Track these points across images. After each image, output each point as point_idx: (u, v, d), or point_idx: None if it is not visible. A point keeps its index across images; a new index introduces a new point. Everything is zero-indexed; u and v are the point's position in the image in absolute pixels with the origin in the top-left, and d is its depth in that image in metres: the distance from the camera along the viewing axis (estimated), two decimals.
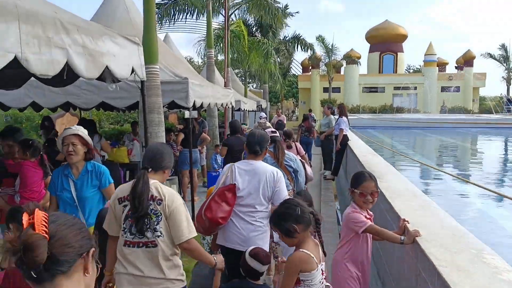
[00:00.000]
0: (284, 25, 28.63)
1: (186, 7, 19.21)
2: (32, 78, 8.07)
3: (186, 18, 20.07)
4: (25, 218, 1.22)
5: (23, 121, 16.09)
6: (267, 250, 3.59)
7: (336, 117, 11.97)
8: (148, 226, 2.73)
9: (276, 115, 20.78)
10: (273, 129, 6.86)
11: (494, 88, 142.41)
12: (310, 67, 45.93)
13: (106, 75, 5.24)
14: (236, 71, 36.69)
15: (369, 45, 49.26)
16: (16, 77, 5.07)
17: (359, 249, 3.36)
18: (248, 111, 23.21)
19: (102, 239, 2.88)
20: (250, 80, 45.56)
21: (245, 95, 24.63)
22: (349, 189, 3.46)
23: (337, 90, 43.58)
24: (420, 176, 13.42)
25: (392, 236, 3.19)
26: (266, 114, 30.54)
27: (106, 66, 4.10)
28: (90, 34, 3.89)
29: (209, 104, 9.19)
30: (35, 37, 3.16)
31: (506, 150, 23.01)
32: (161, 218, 2.73)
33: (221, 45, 20.97)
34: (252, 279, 3.14)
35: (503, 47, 46.20)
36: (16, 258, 1.18)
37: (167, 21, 20.11)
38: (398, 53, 47.96)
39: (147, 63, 6.71)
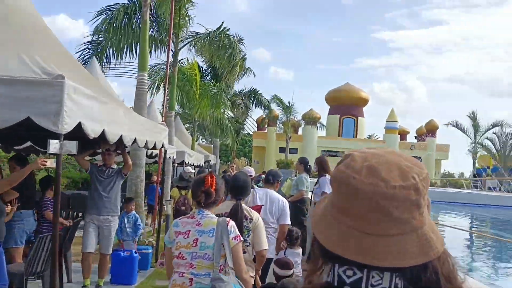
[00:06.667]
0: (242, 73, 24.94)
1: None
2: None
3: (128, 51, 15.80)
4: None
5: None
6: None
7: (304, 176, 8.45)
8: None
9: (230, 172, 17.20)
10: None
11: (458, 161, 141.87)
12: (266, 125, 43.15)
13: None
14: (187, 126, 33.33)
15: (328, 107, 47.39)
16: None
17: None
18: (194, 166, 19.63)
19: None
20: (199, 135, 42.09)
21: (192, 148, 21.06)
22: None
23: (294, 151, 40.55)
24: None
25: None
26: (216, 172, 26.86)
27: None
28: None
29: (121, 137, 5.35)
30: None
31: None
32: (250, 232, 3.72)
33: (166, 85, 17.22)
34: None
35: (471, 115, 42.26)
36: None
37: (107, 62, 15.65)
38: (359, 118, 46.09)
39: None
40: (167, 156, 11.77)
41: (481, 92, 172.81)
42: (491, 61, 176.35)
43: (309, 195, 8.26)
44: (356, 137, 45.42)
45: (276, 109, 36.08)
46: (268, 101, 33.26)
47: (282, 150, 39.75)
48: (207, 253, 2.81)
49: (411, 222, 0.87)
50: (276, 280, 4.31)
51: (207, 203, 2.99)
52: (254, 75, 27.97)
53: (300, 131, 43.89)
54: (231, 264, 2.89)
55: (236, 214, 3.67)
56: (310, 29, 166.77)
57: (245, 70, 24.69)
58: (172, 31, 12.13)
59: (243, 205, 3.89)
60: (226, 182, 5.35)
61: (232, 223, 2.99)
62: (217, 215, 3.63)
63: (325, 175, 7.54)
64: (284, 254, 5.45)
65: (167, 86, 12.10)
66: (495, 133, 42.28)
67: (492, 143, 42.60)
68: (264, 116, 39.01)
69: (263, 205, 4.80)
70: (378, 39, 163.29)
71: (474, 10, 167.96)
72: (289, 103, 35.90)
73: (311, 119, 40.54)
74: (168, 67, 11.36)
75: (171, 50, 15.34)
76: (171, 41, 12.31)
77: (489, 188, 37.61)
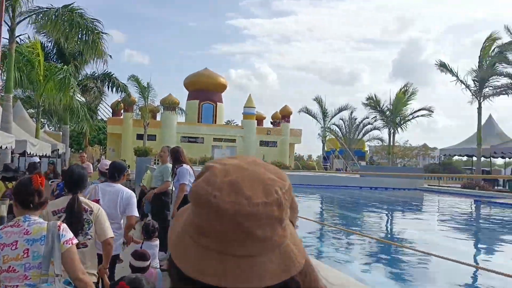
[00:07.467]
0: (101, 56, 22.26)
1: None
2: None
3: None
4: None
5: None
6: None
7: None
8: (81, 232, 3.54)
9: (80, 163, 15.61)
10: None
11: (309, 144, 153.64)
12: (122, 110, 40.96)
13: None
14: (31, 111, 30.00)
15: (187, 92, 46.79)
16: None
17: None
18: (40, 156, 17.63)
19: None
20: (46, 121, 38.48)
21: (37, 136, 18.95)
22: None
23: (152, 137, 39.09)
24: None
25: None
26: (66, 162, 24.63)
27: None
28: None
29: None
30: None
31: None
32: (91, 225, 3.66)
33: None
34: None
35: (317, 99, 45.21)
36: None
37: None
38: (218, 103, 46.12)
39: None
40: (3, 146, 10.22)
41: (325, 80, 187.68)
42: (332, 51, 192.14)
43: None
44: (215, 122, 45.56)
45: (133, 92, 34.33)
46: (125, 85, 31.41)
47: (139, 136, 38.09)
48: (42, 262, 2.67)
49: (273, 240, 0.82)
50: (132, 272, 4.21)
51: (38, 204, 2.79)
52: (111, 57, 25.89)
53: (158, 117, 42.65)
54: (57, 271, 2.69)
55: (72, 208, 3.63)
56: (165, 12, 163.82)
57: (103, 54, 22.53)
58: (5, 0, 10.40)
59: (81, 198, 3.80)
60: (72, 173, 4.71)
61: (64, 226, 2.82)
62: (53, 212, 3.62)
63: (182, 165, 7.07)
64: (141, 248, 5.37)
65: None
66: (341, 119, 46.06)
67: (339, 128, 46.37)
68: (120, 100, 36.90)
69: (99, 199, 4.64)
70: (233, 26, 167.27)
71: (318, 3, 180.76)
72: (148, 84, 34.54)
73: (170, 105, 39.42)
74: (0, 42, 9.70)
75: (6, 23, 13.41)
76: (4, 12, 10.55)
77: (337, 169, 40.75)
